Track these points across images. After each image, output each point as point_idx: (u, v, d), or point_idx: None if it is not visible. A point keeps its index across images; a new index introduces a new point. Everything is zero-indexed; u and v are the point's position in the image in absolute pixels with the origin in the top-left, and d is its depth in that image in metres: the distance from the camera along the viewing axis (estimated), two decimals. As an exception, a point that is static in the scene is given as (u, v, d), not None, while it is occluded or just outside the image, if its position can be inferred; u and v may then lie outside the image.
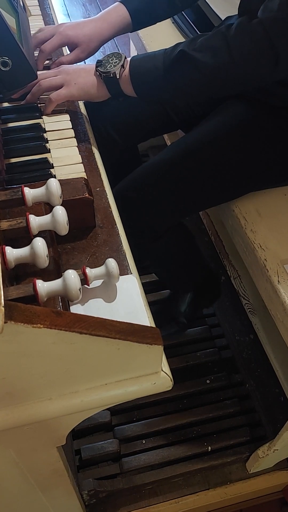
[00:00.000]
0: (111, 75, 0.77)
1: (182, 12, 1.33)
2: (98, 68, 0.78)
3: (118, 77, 0.78)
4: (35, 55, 0.87)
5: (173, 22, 1.37)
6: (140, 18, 0.92)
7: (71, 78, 0.79)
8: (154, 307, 1.29)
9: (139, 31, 1.34)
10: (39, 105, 0.81)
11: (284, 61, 0.73)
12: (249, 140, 0.92)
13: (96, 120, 0.94)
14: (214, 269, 1.23)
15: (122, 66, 0.77)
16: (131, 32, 0.95)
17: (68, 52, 0.90)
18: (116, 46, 2.52)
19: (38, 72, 0.78)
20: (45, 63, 0.89)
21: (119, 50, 2.59)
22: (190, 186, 0.92)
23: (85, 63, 0.89)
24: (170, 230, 0.99)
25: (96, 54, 0.93)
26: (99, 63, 0.79)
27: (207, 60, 0.74)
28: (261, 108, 0.92)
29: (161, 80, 0.77)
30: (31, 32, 0.88)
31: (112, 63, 0.78)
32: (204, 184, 0.93)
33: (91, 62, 0.86)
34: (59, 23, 0.95)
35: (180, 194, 0.92)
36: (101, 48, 0.93)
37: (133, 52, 1.46)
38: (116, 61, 0.78)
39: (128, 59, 0.79)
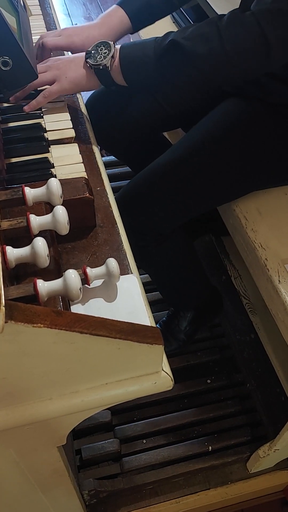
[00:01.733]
0: (102, 67, 0.76)
1: (183, 11, 1.33)
2: (88, 60, 0.77)
3: (109, 68, 0.77)
4: (35, 51, 0.87)
5: (173, 22, 1.37)
6: (139, 19, 0.92)
7: (61, 73, 0.78)
8: (154, 307, 1.30)
9: (139, 31, 1.33)
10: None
11: (275, 53, 0.72)
12: (249, 139, 0.92)
13: (96, 120, 0.93)
14: (215, 288, 1.20)
15: (112, 56, 0.76)
16: (131, 34, 0.95)
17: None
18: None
19: None
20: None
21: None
22: (193, 186, 0.92)
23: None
24: (174, 234, 0.99)
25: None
26: (88, 55, 0.78)
27: (198, 49, 0.73)
28: (261, 105, 0.92)
29: (152, 69, 0.76)
30: (31, 32, 0.87)
31: (102, 54, 0.76)
32: (207, 184, 0.93)
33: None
34: (59, 22, 0.95)
35: (183, 195, 0.92)
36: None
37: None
38: (106, 51, 0.76)
39: (117, 47, 0.78)
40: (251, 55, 0.73)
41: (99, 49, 0.77)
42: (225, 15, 0.74)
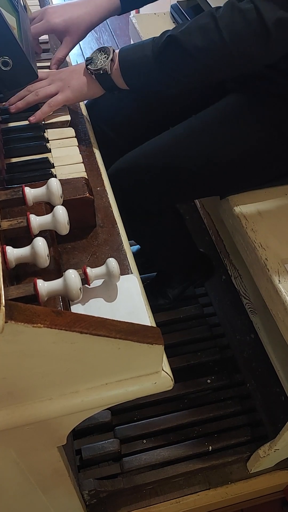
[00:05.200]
0: (102, 72, 0.77)
1: (183, 11, 1.33)
2: (89, 67, 0.78)
3: (109, 72, 0.77)
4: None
5: (174, 22, 1.37)
6: (129, 0, 0.91)
7: (64, 84, 0.79)
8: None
9: (140, 31, 1.34)
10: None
11: (275, 37, 0.71)
12: (246, 129, 0.92)
13: (97, 120, 0.94)
14: (204, 254, 1.26)
15: (112, 60, 0.77)
16: (119, 15, 0.93)
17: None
18: (117, 46, 2.52)
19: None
20: (42, 58, 0.89)
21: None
22: (184, 171, 0.92)
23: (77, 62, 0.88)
24: (163, 212, 0.99)
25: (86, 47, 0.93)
26: (88, 61, 0.78)
27: (197, 41, 0.72)
28: (261, 97, 0.92)
29: (151, 69, 0.76)
30: (31, 32, 0.88)
31: (101, 59, 0.77)
32: (198, 170, 0.92)
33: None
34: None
35: (173, 178, 0.92)
36: (98, 44, 0.93)
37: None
38: (105, 56, 0.77)
39: (117, 51, 0.78)
40: (250, 41, 0.71)
41: (98, 55, 0.78)
42: (220, 6, 0.73)
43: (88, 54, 2.35)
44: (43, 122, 0.78)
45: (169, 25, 1.36)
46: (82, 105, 0.86)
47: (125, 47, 0.78)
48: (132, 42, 1.49)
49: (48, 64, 0.89)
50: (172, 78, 0.77)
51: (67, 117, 0.80)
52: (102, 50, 0.78)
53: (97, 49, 0.78)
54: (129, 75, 0.77)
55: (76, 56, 2.60)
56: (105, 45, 0.79)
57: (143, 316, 0.55)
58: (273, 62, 0.77)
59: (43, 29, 0.86)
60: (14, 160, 0.72)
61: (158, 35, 0.77)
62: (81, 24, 0.86)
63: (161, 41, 0.74)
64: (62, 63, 0.89)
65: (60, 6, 0.87)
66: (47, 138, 0.76)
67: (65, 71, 0.81)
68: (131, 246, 0.66)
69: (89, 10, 0.87)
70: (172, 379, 0.54)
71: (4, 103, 0.81)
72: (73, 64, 0.90)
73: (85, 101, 0.92)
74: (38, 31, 0.87)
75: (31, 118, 0.77)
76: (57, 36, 0.89)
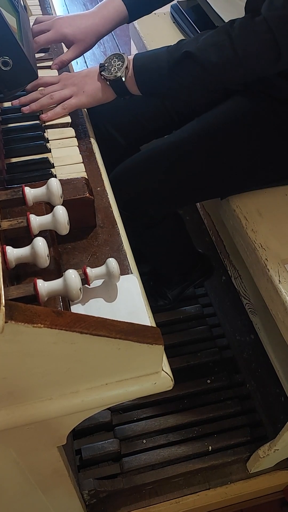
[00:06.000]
0: (117, 79, 0.79)
1: (183, 11, 1.33)
2: (103, 73, 0.79)
3: (124, 79, 0.79)
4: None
5: (174, 22, 1.37)
6: (137, 9, 0.92)
7: (78, 88, 0.80)
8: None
9: (140, 31, 1.34)
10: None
11: (285, 58, 0.75)
12: (248, 133, 0.92)
13: (97, 120, 0.94)
14: (204, 255, 1.27)
15: (126, 67, 0.79)
16: (128, 23, 0.96)
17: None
18: (117, 45, 2.53)
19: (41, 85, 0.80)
20: (42, 58, 0.89)
21: (119, 50, 2.58)
22: (186, 175, 0.93)
23: (87, 65, 0.89)
24: (167, 218, 1.00)
25: (96, 53, 0.93)
26: (102, 68, 0.80)
27: (212, 58, 0.76)
28: (263, 100, 0.92)
29: (166, 80, 0.79)
30: (31, 32, 0.88)
31: (116, 66, 0.79)
32: (201, 174, 0.93)
33: (92, 62, 0.86)
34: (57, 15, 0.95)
35: (177, 182, 0.93)
36: (102, 48, 0.94)
37: (134, 52, 1.46)
38: (119, 63, 0.79)
39: (130, 57, 0.80)
40: (261, 59, 0.76)
41: (112, 61, 0.79)
42: (235, 21, 0.76)
43: (89, 54, 2.36)
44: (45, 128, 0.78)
45: (169, 25, 1.36)
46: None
47: (139, 54, 0.81)
48: (132, 42, 1.49)
49: (48, 64, 0.89)
50: (185, 87, 0.80)
51: (68, 119, 0.80)
52: (116, 57, 0.79)
53: (111, 55, 0.80)
54: (144, 83, 0.80)
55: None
56: (118, 52, 0.81)
57: (143, 316, 0.55)
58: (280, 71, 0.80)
59: (52, 38, 0.88)
60: (14, 160, 0.72)
61: (172, 45, 0.79)
62: (88, 33, 0.88)
63: (178, 55, 0.77)
64: (65, 66, 0.89)
65: (68, 17, 0.89)
66: (47, 138, 0.76)
67: (78, 76, 0.82)
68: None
69: (97, 21, 0.88)
70: (172, 379, 0.54)
71: (4, 103, 0.81)
72: (73, 67, 0.90)
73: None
74: (47, 39, 0.88)
75: (43, 116, 0.79)
76: (66, 44, 0.90)
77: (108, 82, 0.80)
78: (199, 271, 1.26)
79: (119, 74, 0.78)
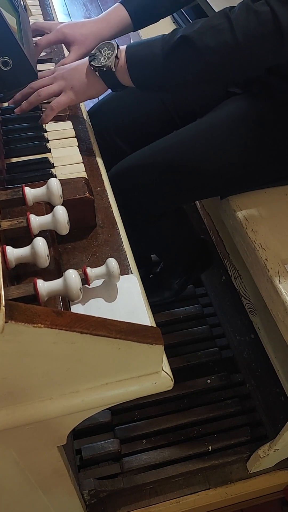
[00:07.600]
0: (106, 69, 0.75)
1: (183, 11, 1.33)
2: (92, 63, 0.76)
3: (113, 69, 0.75)
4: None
5: (174, 22, 1.37)
6: (141, 18, 0.91)
7: (66, 83, 0.77)
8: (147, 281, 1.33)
9: (139, 31, 1.33)
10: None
11: None
12: (249, 133, 0.92)
13: (98, 124, 0.93)
14: (206, 242, 1.27)
15: (116, 56, 0.75)
16: (133, 32, 0.94)
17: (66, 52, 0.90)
18: (116, 43, 2.52)
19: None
20: (42, 58, 0.90)
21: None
22: (186, 174, 0.92)
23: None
24: (166, 215, 1.00)
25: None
26: (91, 57, 0.76)
27: (209, 41, 0.70)
28: (263, 101, 0.92)
29: (160, 68, 0.74)
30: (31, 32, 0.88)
31: (105, 55, 0.75)
32: (201, 173, 0.92)
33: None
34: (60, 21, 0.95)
35: (176, 181, 0.92)
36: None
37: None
38: (109, 52, 0.75)
39: (122, 47, 0.76)
40: (264, 43, 0.70)
41: (101, 51, 0.76)
42: (235, 6, 0.72)
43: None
44: (45, 128, 0.78)
45: (169, 25, 1.36)
46: (82, 105, 0.86)
47: (132, 43, 0.77)
48: (131, 41, 1.49)
49: (48, 63, 0.90)
50: (180, 77, 0.76)
51: (70, 126, 0.79)
52: (106, 45, 0.76)
53: (100, 44, 0.76)
54: (136, 72, 0.75)
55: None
56: (109, 41, 0.77)
57: (143, 316, 0.55)
58: (280, 62, 0.76)
59: (54, 39, 0.87)
60: (14, 160, 0.72)
61: (168, 33, 0.75)
62: (89, 36, 0.86)
63: (173, 40, 0.73)
64: None
65: (72, 22, 0.88)
66: (47, 138, 0.76)
67: (67, 68, 0.79)
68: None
69: (98, 24, 0.87)
70: (172, 379, 0.54)
71: (4, 103, 0.81)
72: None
73: (86, 102, 0.92)
74: (49, 40, 0.87)
75: (40, 123, 0.78)
76: (65, 45, 0.89)
77: (97, 73, 0.76)
78: (201, 258, 1.26)
79: (108, 63, 0.74)
